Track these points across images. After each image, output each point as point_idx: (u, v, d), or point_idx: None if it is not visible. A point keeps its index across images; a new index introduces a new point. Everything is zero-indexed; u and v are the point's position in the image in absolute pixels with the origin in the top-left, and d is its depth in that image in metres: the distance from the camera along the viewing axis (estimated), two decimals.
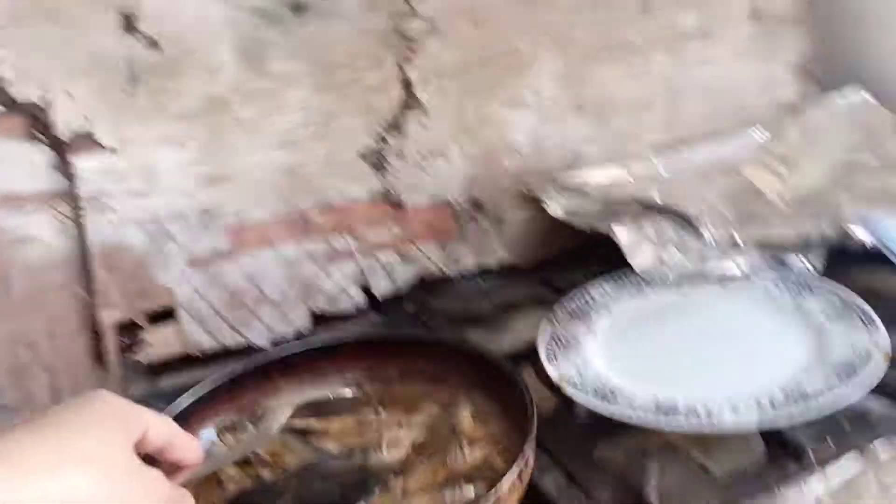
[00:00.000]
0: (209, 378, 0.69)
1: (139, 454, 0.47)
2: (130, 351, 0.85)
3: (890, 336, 0.69)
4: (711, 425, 0.62)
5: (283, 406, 0.70)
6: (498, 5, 0.99)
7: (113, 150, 0.83)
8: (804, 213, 0.94)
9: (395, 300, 0.98)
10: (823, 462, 0.60)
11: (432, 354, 0.72)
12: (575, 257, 1.02)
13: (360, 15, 0.93)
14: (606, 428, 0.66)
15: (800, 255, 0.85)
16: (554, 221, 1.01)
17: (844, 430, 0.63)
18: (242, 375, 0.70)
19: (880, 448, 0.62)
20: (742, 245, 0.84)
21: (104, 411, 0.46)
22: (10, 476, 0.40)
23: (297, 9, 0.90)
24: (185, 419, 0.63)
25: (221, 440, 0.66)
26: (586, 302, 0.84)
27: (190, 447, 0.53)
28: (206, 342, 0.88)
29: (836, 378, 0.64)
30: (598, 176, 1.02)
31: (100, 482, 0.42)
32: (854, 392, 0.62)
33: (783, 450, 0.62)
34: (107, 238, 0.83)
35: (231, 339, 0.89)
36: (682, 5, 1.08)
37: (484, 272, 1.01)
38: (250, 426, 0.68)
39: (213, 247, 0.88)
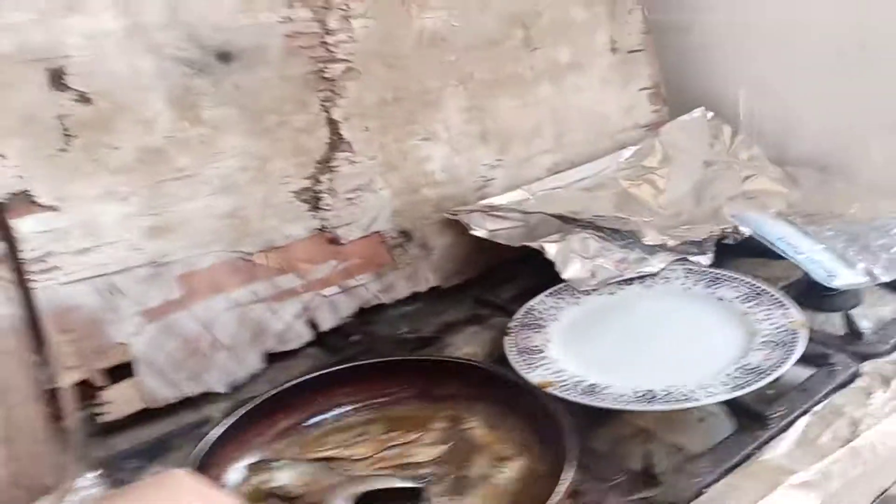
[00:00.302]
0: (219, 422, 0.70)
1: None
2: (88, 411, 0.82)
3: None
4: (695, 401, 0.73)
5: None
6: (406, 48, 1.06)
7: (52, 209, 0.81)
8: (686, 217, 1.09)
9: (334, 331, 1.01)
10: (784, 424, 0.73)
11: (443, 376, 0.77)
12: (497, 276, 1.11)
13: (283, 61, 0.96)
14: (585, 421, 0.75)
15: (692, 254, 0.99)
16: (475, 244, 1.10)
17: (790, 394, 0.77)
18: (252, 410, 0.71)
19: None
20: (663, 246, 0.97)
21: (190, 491, 0.45)
22: None
23: (224, 58, 0.92)
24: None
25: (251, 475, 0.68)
26: (534, 315, 0.93)
27: None
28: (166, 394, 0.86)
29: (775, 351, 0.78)
30: (507, 198, 1.12)
31: None
32: (790, 360, 0.75)
33: (748, 420, 0.74)
34: (55, 299, 0.80)
35: (189, 388, 0.88)
36: (558, 42, 1.21)
37: (415, 296, 1.07)
38: None
39: (164, 297, 0.87)
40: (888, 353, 0.83)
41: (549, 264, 1.04)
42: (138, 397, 0.85)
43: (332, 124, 1.00)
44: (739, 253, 1.02)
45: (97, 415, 0.82)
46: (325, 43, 0.99)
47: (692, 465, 0.70)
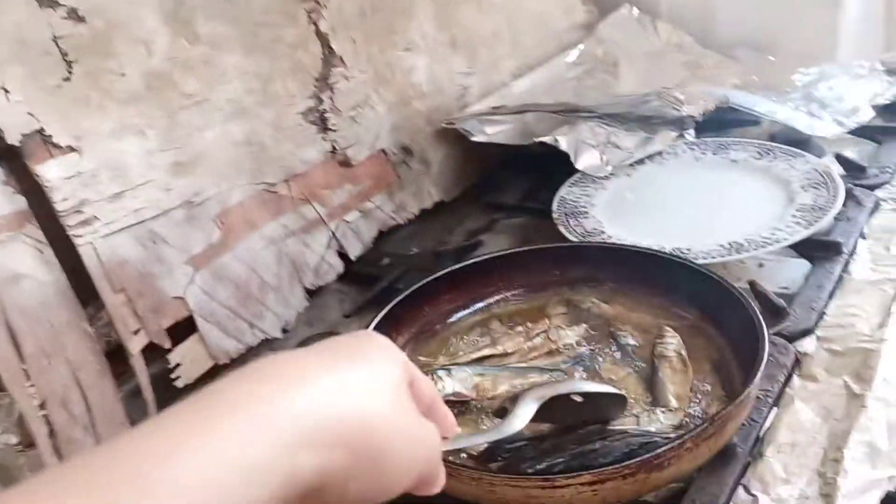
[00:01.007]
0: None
1: None
2: (163, 378, 0.70)
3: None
4: (784, 241, 0.77)
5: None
6: None
7: (72, 150, 0.68)
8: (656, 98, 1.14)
9: (359, 261, 0.95)
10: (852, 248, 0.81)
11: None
12: (493, 182, 1.09)
13: None
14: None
15: (681, 128, 1.04)
16: (469, 152, 1.07)
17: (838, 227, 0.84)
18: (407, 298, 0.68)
19: None
20: (687, 117, 1.00)
21: (380, 346, 0.40)
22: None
23: None
24: None
25: None
26: (570, 205, 0.92)
27: (448, 420, 0.45)
28: (230, 347, 0.76)
29: (820, 189, 0.84)
30: (485, 105, 1.10)
31: (387, 404, 0.37)
32: (840, 192, 0.83)
33: (822, 252, 0.80)
34: (102, 255, 0.68)
35: (251, 337, 0.79)
36: None
37: (423, 215, 1.03)
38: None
39: (206, 241, 0.77)
40: (889, 181, 0.93)
41: (541, 161, 1.05)
42: (206, 354, 0.74)
43: (322, 37, 0.92)
44: (698, 130, 1.08)
45: (173, 380, 0.71)
46: None
47: (803, 299, 0.74)
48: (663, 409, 0.61)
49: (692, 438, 0.50)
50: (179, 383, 0.71)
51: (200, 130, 0.78)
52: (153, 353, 0.71)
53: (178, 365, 0.71)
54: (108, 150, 0.70)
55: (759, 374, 0.53)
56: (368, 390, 0.36)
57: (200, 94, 0.79)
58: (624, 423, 0.59)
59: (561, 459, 0.55)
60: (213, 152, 0.79)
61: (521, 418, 0.49)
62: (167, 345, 0.71)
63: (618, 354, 0.68)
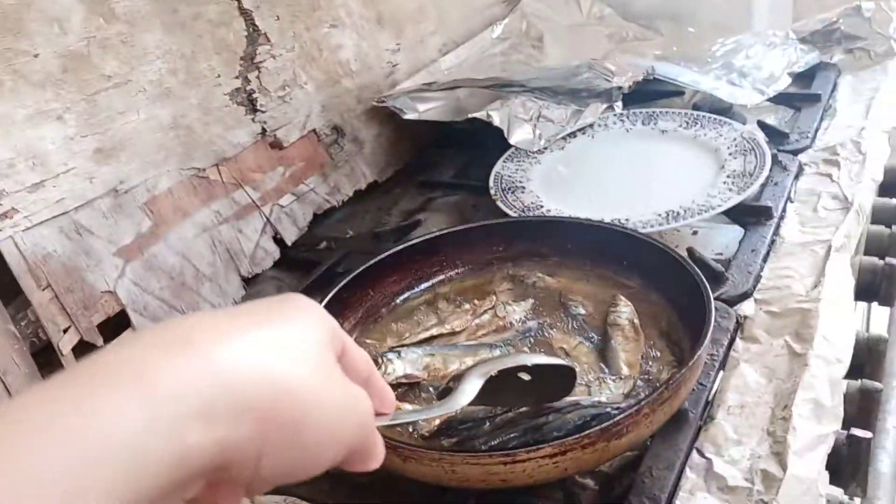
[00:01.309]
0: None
1: None
2: None
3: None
4: (718, 208, 0.79)
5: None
6: None
7: None
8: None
9: (295, 246, 0.92)
10: (781, 213, 0.83)
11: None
12: (424, 161, 1.08)
13: None
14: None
15: (610, 100, 1.06)
16: (401, 131, 1.06)
17: (766, 191, 0.87)
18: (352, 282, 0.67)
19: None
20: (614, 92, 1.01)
21: (303, 307, 0.35)
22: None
23: None
24: None
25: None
26: (507, 180, 0.92)
27: (386, 394, 0.41)
28: None
29: (748, 156, 0.87)
30: (414, 82, 1.09)
31: (306, 368, 0.33)
32: (767, 157, 0.85)
33: (753, 217, 0.82)
34: (24, 250, 0.63)
35: None
36: None
37: (357, 196, 1.01)
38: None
39: (135, 230, 0.73)
40: (811, 146, 0.96)
41: (470, 140, 1.05)
42: None
43: (245, 14, 0.89)
44: (625, 101, 1.09)
45: None
46: None
47: (739, 263, 0.76)
48: (614, 378, 0.61)
49: (648, 404, 0.50)
50: None
51: (123, 114, 0.74)
52: (85, 351, 0.67)
53: None
54: (24, 137, 0.66)
55: (707, 337, 0.54)
56: (284, 352, 0.32)
57: (121, 76, 0.75)
58: (575, 393, 0.59)
59: (514, 434, 0.55)
60: (137, 137, 0.75)
61: (466, 394, 0.48)
62: (100, 342, 0.67)
63: (569, 325, 0.68)
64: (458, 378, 0.51)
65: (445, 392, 0.56)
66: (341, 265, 0.86)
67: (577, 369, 0.60)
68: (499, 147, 0.97)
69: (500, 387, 0.52)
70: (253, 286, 0.87)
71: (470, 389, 0.49)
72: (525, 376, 0.54)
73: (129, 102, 0.75)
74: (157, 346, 0.29)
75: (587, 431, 0.49)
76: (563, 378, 0.57)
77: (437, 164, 1.06)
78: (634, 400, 0.55)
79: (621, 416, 0.50)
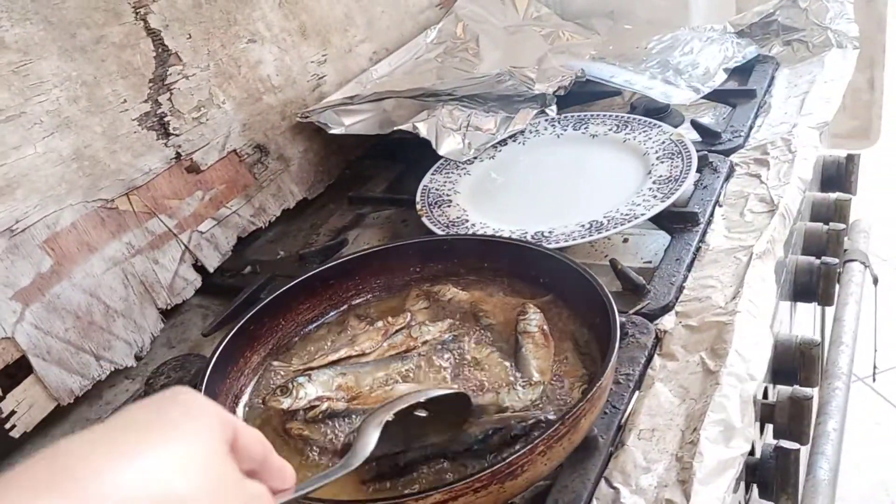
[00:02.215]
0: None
1: None
2: None
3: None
4: (641, 216, 0.77)
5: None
6: None
7: None
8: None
9: (219, 272, 0.89)
10: (708, 217, 0.82)
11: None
12: (355, 175, 1.05)
13: None
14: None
15: (546, 106, 1.03)
16: (329, 145, 1.03)
17: (696, 196, 0.85)
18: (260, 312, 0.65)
19: None
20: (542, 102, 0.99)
21: (192, 411, 0.35)
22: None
23: None
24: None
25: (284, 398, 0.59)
26: (434, 194, 0.90)
27: (284, 471, 0.40)
28: (74, 384, 0.71)
29: (675, 160, 0.85)
30: (343, 94, 1.06)
31: (200, 483, 0.33)
32: (694, 162, 0.84)
33: (679, 224, 0.80)
34: None
35: (99, 370, 0.73)
36: None
37: (286, 216, 0.98)
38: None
39: (35, 271, 0.70)
40: (743, 146, 0.95)
41: (403, 151, 1.03)
42: (46, 396, 0.68)
43: (153, 34, 0.86)
44: (562, 104, 1.07)
45: (8, 431, 0.65)
46: None
47: (662, 274, 0.75)
48: (523, 384, 0.60)
49: (544, 441, 0.49)
50: (15, 433, 0.65)
51: (17, 149, 0.71)
52: None
53: (12, 413, 0.65)
54: None
55: (608, 369, 0.53)
56: (171, 476, 0.31)
57: (13, 108, 0.72)
58: (484, 400, 0.59)
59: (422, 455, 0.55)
60: (35, 172, 0.72)
61: (367, 447, 0.47)
62: None
63: (481, 335, 0.67)
64: (357, 432, 0.50)
65: (347, 448, 0.55)
66: (266, 289, 0.83)
67: (485, 381, 0.61)
68: (432, 157, 0.95)
69: (401, 428, 0.51)
70: (175, 316, 0.85)
71: (368, 442, 0.48)
72: (422, 413, 0.53)
73: (24, 136, 0.72)
74: (38, 489, 0.29)
75: (478, 475, 0.47)
76: (459, 405, 0.57)
77: (370, 178, 1.03)
78: (533, 431, 0.54)
79: (514, 455, 0.48)
